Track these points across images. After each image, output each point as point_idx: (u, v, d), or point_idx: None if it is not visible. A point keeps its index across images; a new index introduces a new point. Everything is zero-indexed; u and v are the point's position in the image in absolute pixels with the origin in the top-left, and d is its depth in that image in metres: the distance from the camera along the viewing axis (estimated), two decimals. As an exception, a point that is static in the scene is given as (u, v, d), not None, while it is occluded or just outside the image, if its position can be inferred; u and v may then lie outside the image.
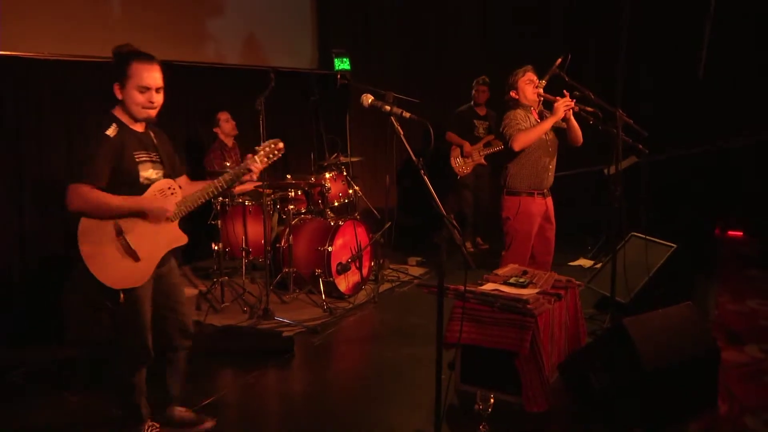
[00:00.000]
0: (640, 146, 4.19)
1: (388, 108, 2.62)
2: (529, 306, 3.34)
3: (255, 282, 5.63)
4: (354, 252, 5.43)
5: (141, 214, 2.81)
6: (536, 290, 3.57)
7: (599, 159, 5.59)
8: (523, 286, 3.63)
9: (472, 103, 6.92)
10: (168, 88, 6.00)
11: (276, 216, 5.95)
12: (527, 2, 7.92)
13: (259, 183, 4.89)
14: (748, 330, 4.50)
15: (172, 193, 2.91)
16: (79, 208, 2.67)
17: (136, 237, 2.79)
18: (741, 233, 7.25)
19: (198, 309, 4.99)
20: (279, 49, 7.01)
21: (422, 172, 2.52)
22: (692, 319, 3.35)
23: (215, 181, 2.98)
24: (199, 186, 2.99)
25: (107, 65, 5.10)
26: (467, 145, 6.79)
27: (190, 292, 5.42)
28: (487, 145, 6.81)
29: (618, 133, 3.79)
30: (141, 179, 2.81)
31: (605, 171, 5.79)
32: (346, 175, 5.84)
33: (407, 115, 2.62)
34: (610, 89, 3.78)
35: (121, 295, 2.78)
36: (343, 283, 5.32)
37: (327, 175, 5.61)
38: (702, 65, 6.80)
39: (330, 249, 5.16)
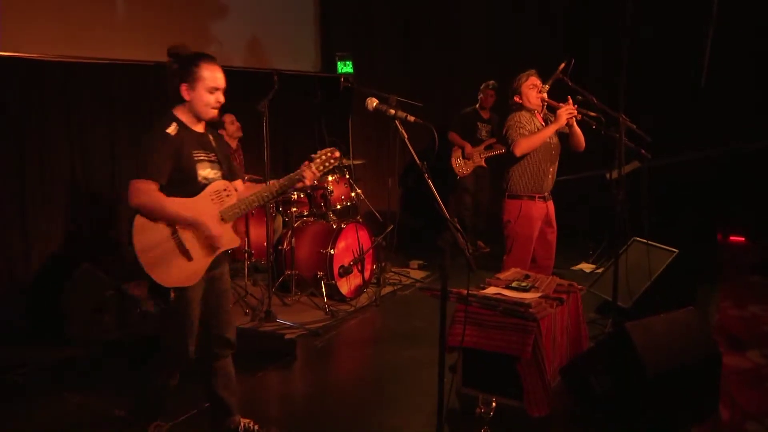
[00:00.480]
0: (643, 151, 4.19)
1: (393, 112, 2.62)
2: (531, 310, 3.34)
3: (257, 284, 5.63)
4: (356, 255, 5.44)
5: (198, 212, 2.80)
6: (538, 294, 3.57)
7: (602, 163, 5.60)
8: (525, 290, 3.63)
9: (477, 105, 6.96)
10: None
11: (279, 218, 5.95)
12: (532, 6, 7.93)
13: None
14: (749, 335, 4.50)
15: (227, 195, 2.91)
16: (140, 204, 2.67)
17: (190, 236, 2.79)
18: (743, 239, 7.24)
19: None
20: (282, 52, 7.02)
21: (426, 175, 2.52)
22: (694, 324, 3.34)
23: (270, 186, 2.98)
24: (254, 190, 2.99)
25: (110, 67, 5.18)
26: (468, 147, 6.86)
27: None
28: (489, 147, 6.87)
29: (621, 137, 3.80)
30: (199, 178, 2.82)
31: (607, 175, 5.79)
32: (348, 178, 5.85)
33: (412, 119, 2.62)
34: (614, 94, 3.79)
35: (172, 294, 2.76)
36: (345, 286, 5.33)
37: (329, 178, 5.61)
38: (704, 71, 6.80)
39: (332, 252, 5.17)
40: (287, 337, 4.46)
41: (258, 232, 5.46)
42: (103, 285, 4.65)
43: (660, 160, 4.69)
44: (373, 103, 2.68)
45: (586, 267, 6.41)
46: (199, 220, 2.79)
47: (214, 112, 2.87)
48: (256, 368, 4.03)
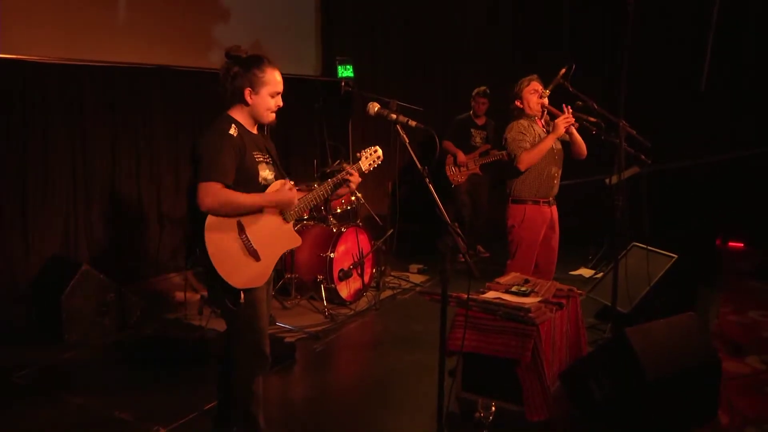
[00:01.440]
0: (643, 156, 4.20)
1: (394, 116, 2.64)
2: (530, 315, 3.35)
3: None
4: (356, 259, 5.45)
5: (262, 213, 2.82)
6: (538, 299, 3.58)
7: (601, 169, 5.61)
8: (524, 294, 3.64)
9: (471, 112, 6.93)
10: (173, 93, 6.05)
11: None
12: (533, 12, 7.95)
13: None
14: (749, 341, 4.50)
15: None
16: (210, 206, 2.65)
17: (257, 236, 2.79)
18: (742, 244, 7.25)
19: (200, 314, 4.99)
20: (283, 56, 7.02)
21: (427, 180, 2.54)
22: (693, 330, 3.35)
23: (324, 185, 3.03)
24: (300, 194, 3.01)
25: (112, 70, 5.20)
26: (461, 155, 6.77)
27: (192, 296, 5.43)
28: (483, 154, 6.78)
29: (621, 143, 3.81)
30: (260, 179, 2.83)
31: (607, 181, 5.80)
32: (348, 182, 5.84)
33: (413, 123, 2.64)
34: (615, 99, 3.80)
35: (242, 295, 2.75)
36: (345, 290, 5.33)
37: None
38: (704, 77, 6.82)
39: (332, 255, 5.18)
40: (287, 340, 4.46)
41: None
42: (104, 287, 4.66)
43: (660, 165, 4.70)
44: (374, 107, 2.70)
45: (586, 272, 6.42)
46: (269, 198, 2.80)
47: (273, 116, 2.89)
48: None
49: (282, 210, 2.87)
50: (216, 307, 2.88)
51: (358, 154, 3.11)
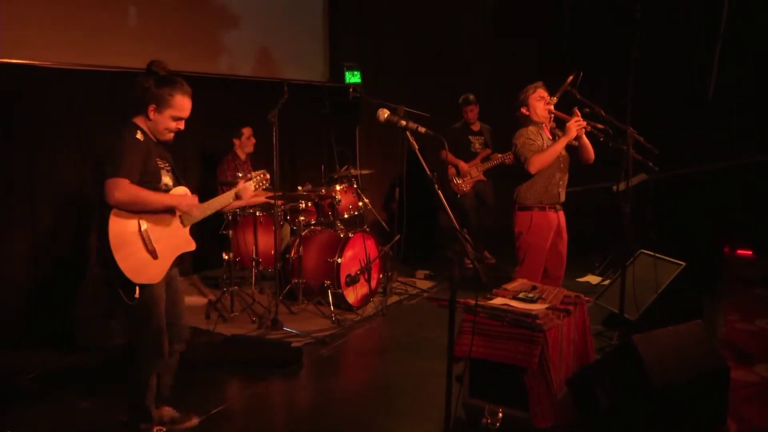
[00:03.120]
0: (651, 163, 4.20)
1: (404, 123, 2.65)
2: (538, 321, 3.34)
3: (264, 292, 5.65)
4: (363, 264, 5.45)
5: (163, 215, 2.97)
6: (545, 306, 3.58)
7: (608, 175, 5.61)
8: (532, 301, 3.63)
9: (464, 120, 6.88)
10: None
11: (287, 227, 5.97)
12: (539, 20, 7.96)
13: (271, 194, 4.93)
14: (757, 349, 4.48)
15: None
16: (119, 200, 2.76)
17: (156, 235, 2.94)
18: (750, 252, 7.21)
19: (207, 318, 5.01)
20: (291, 62, 7.07)
21: (436, 186, 2.54)
22: (701, 338, 3.34)
23: (220, 197, 3.27)
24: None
25: (121, 75, 5.23)
26: (462, 164, 6.70)
27: (199, 301, 5.45)
28: (485, 159, 6.70)
29: (628, 150, 3.81)
30: (161, 184, 2.99)
31: (614, 188, 5.78)
32: (356, 188, 5.87)
33: (423, 129, 2.65)
34: (622, 107, 3.81)
35: (137, 290, 2.85)
36: (352, 295, 5.34)
37: (337, 187, 5.63)
38: (711, 84, 6.81)
39: (339, 261, 5.19)
40: (294, 345, 4.47)
41: (266, 241, 5.48)
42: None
43: (667, 172, 4.70)
44: (384, 113, 2.70)
45: (593, 279, 6.41)
46: (175, 198, 2.99)
47: (171, 136, 3.04)
48: (262, 376, 4.04)
49: (182, 214, 3.03)
50: (114, 303, 3.01)
51: (250, 175, 3.38)
